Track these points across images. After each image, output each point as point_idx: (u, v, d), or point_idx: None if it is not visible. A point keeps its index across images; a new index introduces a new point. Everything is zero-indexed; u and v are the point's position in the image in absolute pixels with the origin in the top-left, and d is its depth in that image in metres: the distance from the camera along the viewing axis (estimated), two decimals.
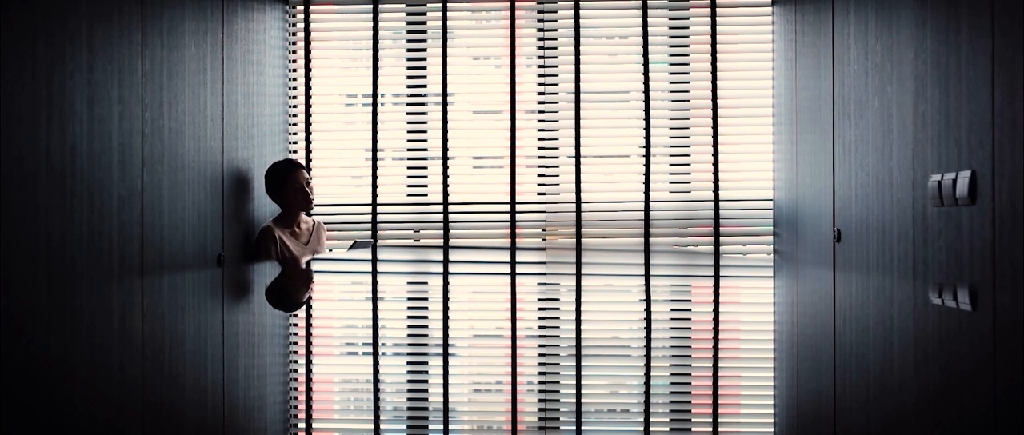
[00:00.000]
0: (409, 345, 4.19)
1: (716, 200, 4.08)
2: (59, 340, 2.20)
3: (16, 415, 2.03)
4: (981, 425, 1.91)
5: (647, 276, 4.10)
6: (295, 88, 4.20)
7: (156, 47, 2.75)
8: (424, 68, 4.19)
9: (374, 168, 4.15)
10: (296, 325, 4.19)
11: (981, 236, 1.89)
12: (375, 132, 4.16)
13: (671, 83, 4.12)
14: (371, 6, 4.18)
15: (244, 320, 3.59)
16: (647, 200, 4.08)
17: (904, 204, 2.37)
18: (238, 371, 3.52)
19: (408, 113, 4.19)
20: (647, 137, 4.09)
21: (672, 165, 4.11)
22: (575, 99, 4.11)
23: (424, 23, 4.20)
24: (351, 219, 4.16)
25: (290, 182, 3.69)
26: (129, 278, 2.57)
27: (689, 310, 4.12)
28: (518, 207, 4.12)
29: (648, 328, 4.10)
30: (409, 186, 4.18)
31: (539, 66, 4.16)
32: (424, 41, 4.20)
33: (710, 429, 4.12)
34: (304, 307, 4.13)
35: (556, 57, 4.15)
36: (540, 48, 4.16)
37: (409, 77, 4.19)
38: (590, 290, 4.11)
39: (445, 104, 4.15)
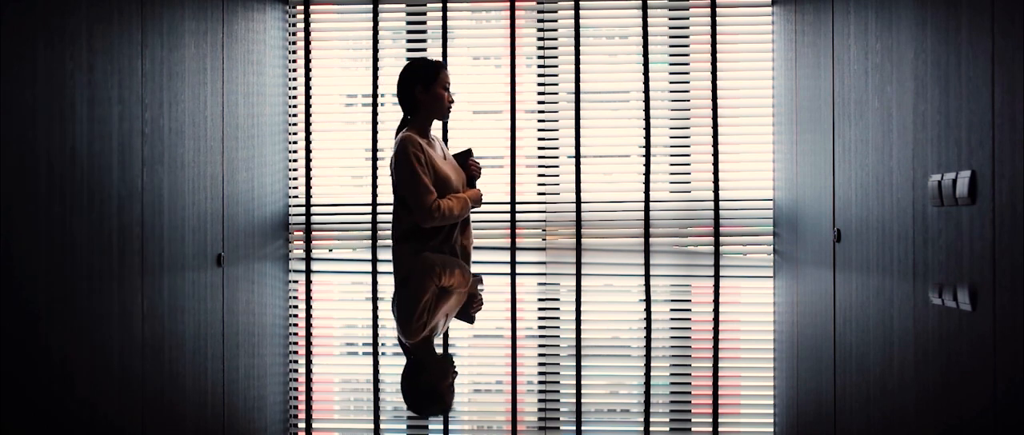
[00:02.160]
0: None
1: (716, 200, 4.07)
2: (59, 340, 2.20)
3: (17, 415, 2.02)
4: (981, 425, 1.91)
5: (647, 276, 4.09)
6: (295, 88, 4.20)
7: (156, 47, 2.74)
8: None
9: (374, 168, 4.15)
10: (296, 325, 4.19)
11: (981, 236, 1.89)
12: (375, 132, 4.15)
13: (671, 83, 4.12)
14: (371, 6, 4.17)
15: (244, 320, 3.59)
16: (647, 200, 4.08)
17: (904, 204, 2.37)
18: (238, 371, 3.52)
19: None
20: (647, 137, 4.08)
21: (672, 165, 4.10)
22: (575, 99, 4.11)
23: (424, 23, 4.19)
24: (351, 219, 4.15)
25: (440, 80, 3.06)
26: (129, 278, 2.57)
27: (689, 310, 4.11)
28: (518, 207, 4.12)
29: (648, 328, 4.09)
30: None
31: (539, 66, 4.16)
32: (424, 41, 4.19)
33: (710, 429, 4.11)
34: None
35: (556, 57, 4.15)
36: (540, 48, 4.16)
37: None
38: (590, 290, 4.11)
39: None
